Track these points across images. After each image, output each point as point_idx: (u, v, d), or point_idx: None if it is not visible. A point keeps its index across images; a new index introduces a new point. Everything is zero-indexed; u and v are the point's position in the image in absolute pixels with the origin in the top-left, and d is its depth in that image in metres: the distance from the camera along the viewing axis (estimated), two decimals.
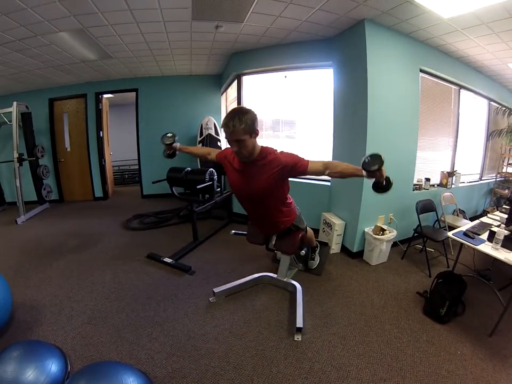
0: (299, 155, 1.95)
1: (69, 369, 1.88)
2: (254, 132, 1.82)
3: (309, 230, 2.80)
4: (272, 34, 3.66)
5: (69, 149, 6.33)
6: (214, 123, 5.84)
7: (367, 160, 1.65)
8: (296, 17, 3.14)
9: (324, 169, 1.86)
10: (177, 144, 2.51)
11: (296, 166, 1.88)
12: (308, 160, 1.91)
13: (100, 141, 6.34)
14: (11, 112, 4.92)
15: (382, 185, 1.72)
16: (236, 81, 4.90)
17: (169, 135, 2.46)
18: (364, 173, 1.67)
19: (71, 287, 2.94)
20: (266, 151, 1.96)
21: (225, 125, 1.77)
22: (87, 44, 3.78)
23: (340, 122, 3.80)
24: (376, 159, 1.63)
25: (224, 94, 6.08)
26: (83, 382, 1.51)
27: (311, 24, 3.27)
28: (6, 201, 5.90)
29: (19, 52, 3.82)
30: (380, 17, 2.99)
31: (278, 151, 2.00)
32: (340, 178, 1.97)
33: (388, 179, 1.70)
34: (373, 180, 1.72)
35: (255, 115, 1.82)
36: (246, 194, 2.14)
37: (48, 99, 6.00)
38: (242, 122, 1.73)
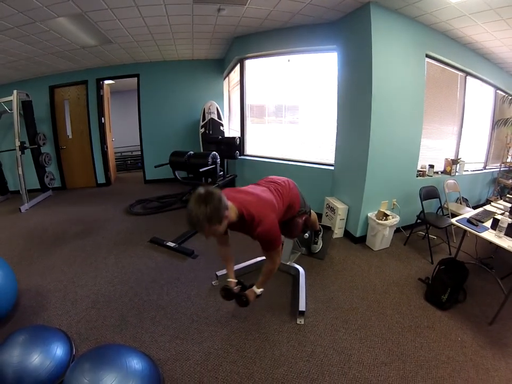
0: (276, 243, 1.88)
1: (73, 353, 1.91)
2: (222, 217, 1.57)
3: (313, 214, 2.80)
4: (275, 17, 3.59)
5: (70, 136, 6.31)
6: (217, 107, 5.81)
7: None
8: (300, 0, 3.07)
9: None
10: (232, 282, 2.15)
11: (263, 246, 1.89)
12: (273, 250, 1.91)
13: (101, 127, 6.32)
14: (11, 100, 4.89)
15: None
16: (238, 66, 4.85)
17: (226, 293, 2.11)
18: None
19: (75, 273, 2.97)
20: (246, 215, 1.78)
21: (190, 224, 1.55)
22: (86, 29, 3.72)
23: (343, 106, 3.76)
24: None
25: (227, 78, 6.04)
26: (88, 365, 1.52)
27: (315, 6, 3.20)
28: (9, 190, 5.92)
29: (18, 39, 3.77)
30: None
31: (263, 222, 1.78)
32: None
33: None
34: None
35: (219, 199, 1.55)
36: None
37: (49, 86, 5.94)
38: (205, 218, 1.49)
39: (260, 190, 2.05)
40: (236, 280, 2.17)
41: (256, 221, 1.77)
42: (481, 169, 5.14)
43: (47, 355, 1.70)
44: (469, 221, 2.61)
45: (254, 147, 5.07)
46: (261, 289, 2.03)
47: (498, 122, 5.05)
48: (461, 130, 4.50)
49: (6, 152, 5.60)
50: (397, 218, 3.40)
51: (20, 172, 5.00)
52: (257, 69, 4.72)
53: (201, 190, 1.57)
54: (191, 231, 3.78)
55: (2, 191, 5.78)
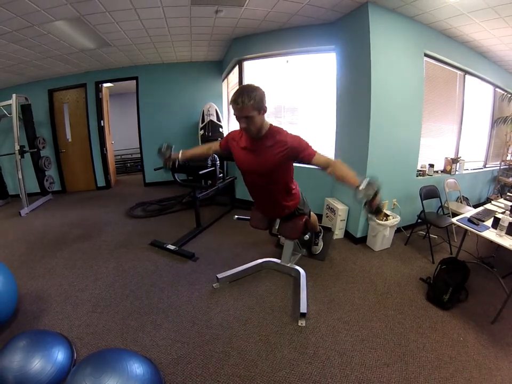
0: (308, 142, 1.95)
1: (75, 357, 1.91)
2: (262, 109, 1.83)
3: (313, 215, 2.80)
4: (273, 18, 3.59)
5: (70, 140, 6.30)
6: (216, 109, 5.80)
7: (362, 187, 1.63)
8: (298, 0, 3.06)
9: (327, 165, 1.89)
10: (177, 154, 2.36)
11: (302, 153, 1.90)
12: (315, 151, 1.92)
13: (101, 130, 6.32)
14: (10, 104, 4.88)
15: (371, 210, 1.68)
16: (237, 67, 4.85)
17: (164, 147, 2.32)
18: (359, 190, 1.65)
19: (76, 276, 2.97)
20: (275, 130, 1.97)
21: (234, 101, 1.77)
22: (84, 32, 3.72)
23: (342, 107, 3.75)
24: (370, 188, 1.62)
25: (225, 80, 6.04)
26: (89, 369, 1.52)
27: (312, 7, 3.19)
28: (9, 194, 5.90)
29: (16, 43, 3.76)
30: None
31: (288, 132, 1.99)
32: (339, 179, 1.85)
33: (378, 208, 1.67)
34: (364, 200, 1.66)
35: (263, 92, 1.83)
36: (252, 173, 2.12)
37: (48, 90, 5.93)
38: (251, 98, 1.74)
39: None
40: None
41: (283, 135, 1.95)
42: (481, 168, 5.14)
43: (48, 360, 1.70)
44: (470, 220, 2.61)
45: None
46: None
47: (497, 120, 5.05)
48: (461, 129, 4.50)
49: (6, 156, 5.59)
50: (398, 218, 3.40)
51: (20, 176, 5.00)
52: (256, 70, 4.71)
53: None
54: (192, 233, 3.79)
55: (2, 195, 5.76)
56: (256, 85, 1.85)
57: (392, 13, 3.13)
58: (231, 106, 1.85)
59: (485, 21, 3.17)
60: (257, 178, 2.12)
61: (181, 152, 2.35)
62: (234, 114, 1.87)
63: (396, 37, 3.24)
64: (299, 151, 1.90)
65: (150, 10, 3.24)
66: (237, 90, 1.83)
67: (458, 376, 1.81)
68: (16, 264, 3.17)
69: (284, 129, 2.01)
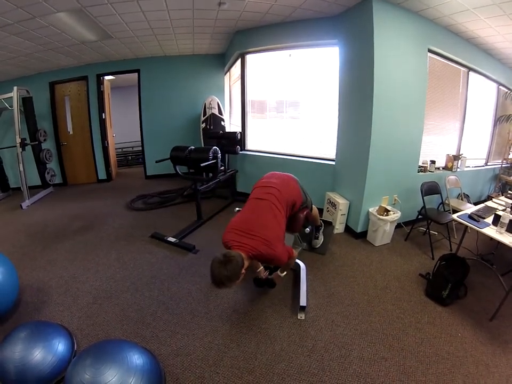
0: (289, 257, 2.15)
1: (75, 348, 1.92)
2: (240, 276, 1.84)
3: (314, 209, 2.80)
4: (276, 11, 3.56)
5: (71, 132, 6.30)
6: (218, 102, 5.77)
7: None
8: None
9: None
10: (265, 273, 2.57)
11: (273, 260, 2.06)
12: (292, 257, 2.21)
13: (102, 123, 6.31)
14: (12, 97, 4.88)
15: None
16: (239, 60, 4.83)
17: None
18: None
19: (77, 268, 2.98)
20: (257, 258, 2.02)
21: (214, 283, 1.83)
22: (86, 24, 3.69)
23: (345, 101, 3.73)
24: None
25: (228, 73, 6.02)
26: (89, 360, 1.53)
27: (316, 0, 3.17)
28: (11, 187, 5.91)
29: (17, 35, 3.74)
30: None
31: (272, 257, 2.01)
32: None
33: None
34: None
35: (236, 263, 1.80)
36: None
37: (49, 83, 5.92)
38: (227, 279, 1.77)
39: (262, 221, 2.09)
40: (262, 266, 2.52)
41: (269, 259, 2.02)
42: (483, 166, 5.10)
43: (49, 350, 1.72)
44: (470, 216, 2.61)
45: (255, 142, 5.07)
46: (285, 273, 2.41)
47: (500, 118, 5.01)
48: (463, 126, 4.47)
49: (7, 149, 5.58)
50: (398, 214, 3.40)
51: (21, 169, 5.01)
52: (258, 63, 4.68)
53: (220, 256, 1.80)
54: (192, 226, 3.80)
55: (4, 188, 5.77)
56: (227, 257, 1.80)
57: (397, 7, 3.09)
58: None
59: (490, 18, 3.13)
60: None
61: (259, 270, 2.51)
62: None
63: (399, 32, 3.20)
64: (275, 261, 2.07)
65: (152, 1, 3.22)
66: (212, 270, 1.80)
67: (455, 371, 1.82)
68: (17, 256, 3.18)
69: (270, 255, 1.97)
